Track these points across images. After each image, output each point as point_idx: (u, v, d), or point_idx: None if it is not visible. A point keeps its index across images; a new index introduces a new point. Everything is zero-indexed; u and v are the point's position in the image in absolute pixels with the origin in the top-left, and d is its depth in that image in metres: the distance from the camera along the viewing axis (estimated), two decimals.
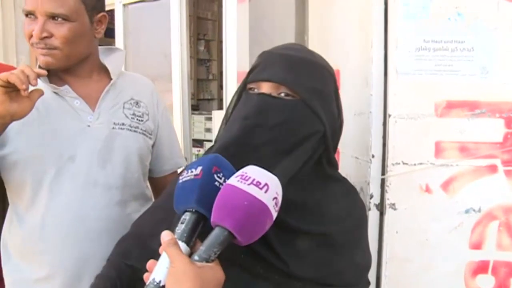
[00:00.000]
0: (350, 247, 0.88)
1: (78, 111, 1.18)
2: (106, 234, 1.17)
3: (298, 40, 2.02)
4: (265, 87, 0.85)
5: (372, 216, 1.28)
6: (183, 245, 0.68)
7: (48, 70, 1.13)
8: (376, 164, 1.28)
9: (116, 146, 1.20)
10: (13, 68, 1.14)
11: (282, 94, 0.85)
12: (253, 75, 0.88)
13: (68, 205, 1.15)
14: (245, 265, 0.78)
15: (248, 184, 0.67)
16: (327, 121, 0.87)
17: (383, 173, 1.27)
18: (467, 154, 1.21)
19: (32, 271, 1.16)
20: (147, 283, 0.66)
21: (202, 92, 5.89)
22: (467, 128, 1.21)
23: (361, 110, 1.34)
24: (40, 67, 1.15)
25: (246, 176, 0.68)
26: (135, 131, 1.24)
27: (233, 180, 0.69)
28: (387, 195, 1.26)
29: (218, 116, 3.17)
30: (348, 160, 1.42)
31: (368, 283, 0.94)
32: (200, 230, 0.72)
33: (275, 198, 0.68)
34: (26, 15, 1.12)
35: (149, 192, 1.36)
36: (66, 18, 1.10)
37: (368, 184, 1.29)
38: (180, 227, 0.70)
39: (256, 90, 0.87)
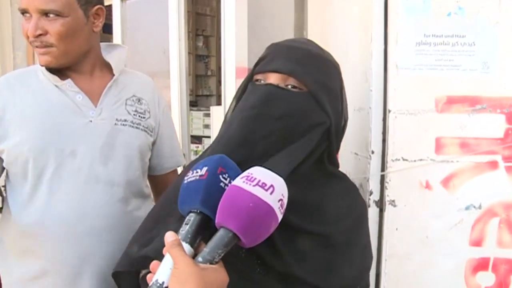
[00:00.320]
0: (350, 247, 0.87)
1: (80, 106, 1.17)
2: (106, 231, 1.16)
3: (297, 35, 2.01)
4: (273, 78, 0.85)
5: (372, 212, 1.27)
6: (187, 246, 0.67)
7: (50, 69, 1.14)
8: (375, 160, 1.27)
9: (118, 143, 1.20)
10: None
11: (289, 86, 0.85)
12: (261, 66, 0.88)
13: (69, 202, 1.14)
14: (243, 266, 0.77)
15: (254, 186, 0.66)
16: (333, 115, 0.87)
17: (382, 170, 1.26)
18: (468, 150, 1.20)
19: (30, 268, 1.15)
20: (150, 284, 0.65)
21: (201, 88, 5.87)
22: (468, 123, 1.20)
23: (361, 105, 1.33)
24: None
25: (252, 177, 0.68)
26: (137, 127, 1.24)
27: (239, 181, 0.68)
28: (386, 192, 1.25)
29: (216, 112, 3.16)
30: (348, 156, 1.40)
31: (367, 285, 0.93)
32: (204, 231, 0.71)
33: (281, 199, 0.68)
34: (22, 14, 1.12)
35: (148, 190, 1.36)
36: (58, 14, 1.09)
37: (368, 180, 1.28)
38: (184, 228, 0.69)
39: (262, 81, 0.87)
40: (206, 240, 0.68)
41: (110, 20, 2.53)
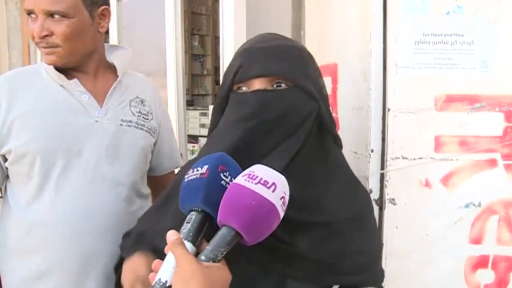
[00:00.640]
0: (358, 231, 0.86)
1: (86, 106, 1.18)
2: (111, 230, 1.17)
3: (295, 35, 2.01)
4: (258, 83, 0.84)
5: None
6: (189, 245, 0.67)
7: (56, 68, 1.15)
8: (375, 158, 1.27)
9: (123, 143, 1.21)
10: None
11: (276, 85, 0.84)
12: (241, 74, 0.85)
13: (75, 201, 1.14)
14: (251, 257, 0.76)
15: (256, 183, 0.66)
16: (320, 99, 0.87)
17: (382, 168, 1.26)
18: (467, 148, 1.20)
19: (34, 267, 1.15)
20: (153, 283, 0.65)
21: (197, 88, 5.86)
22: (467, 122, 1.20)
23: (360, 104, 1.33)
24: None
25: (254, 175, 0.67)
26: (141, 128, 1.25)
27: (240, 179, 0.68)
28: (386, 190, 1.25)
29: None
30: (347, 155, 1.39)
31: (382, 270, 0.91)
32: (206, 229, 0.70)
33: (283, 197, 0.67)
34: (28, 14, 1.12)
35: (147, 190, 1.35)
36: (64, 15, 1.10)
37: (368, 179, 1.28)
38: (186, 227, 0.69)
39: (245, 89, 0.85)
40: (208, 238, 0.68)
41: None
